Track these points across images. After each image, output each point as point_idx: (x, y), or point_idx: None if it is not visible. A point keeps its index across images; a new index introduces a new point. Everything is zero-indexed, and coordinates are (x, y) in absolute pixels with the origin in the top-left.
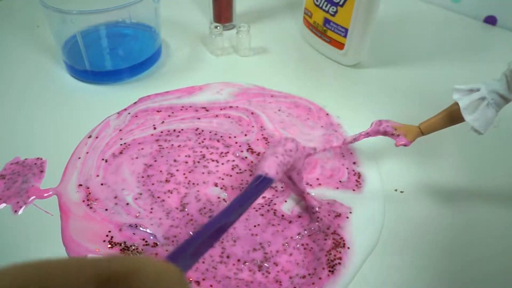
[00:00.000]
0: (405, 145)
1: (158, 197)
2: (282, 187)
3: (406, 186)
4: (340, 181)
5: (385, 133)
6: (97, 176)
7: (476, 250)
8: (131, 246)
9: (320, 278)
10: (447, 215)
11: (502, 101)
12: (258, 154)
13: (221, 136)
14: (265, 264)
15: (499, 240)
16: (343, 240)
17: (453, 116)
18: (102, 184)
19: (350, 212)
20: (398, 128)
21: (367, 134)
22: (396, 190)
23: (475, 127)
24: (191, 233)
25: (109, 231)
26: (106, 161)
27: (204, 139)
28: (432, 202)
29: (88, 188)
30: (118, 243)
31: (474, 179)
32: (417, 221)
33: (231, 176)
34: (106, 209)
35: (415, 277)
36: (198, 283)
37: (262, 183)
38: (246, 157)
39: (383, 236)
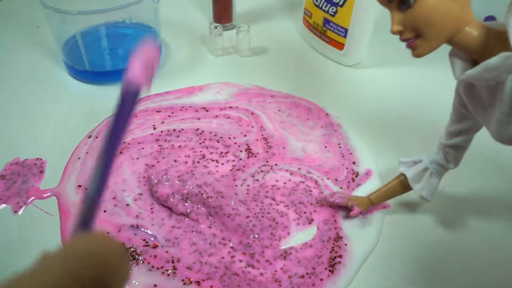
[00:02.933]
0: (360, 214)
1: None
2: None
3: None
4: (336, 179)
5: (338, 204)
6: None
7: (477, 249)
8: (130, 248)
9: (321, 280)
10: (446, 215)
11: (442, 169)
12: (258, 154)
13: (221, 137)
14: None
15: (499, 242)
16: (343, 239)
17: (401, 186)
18: None
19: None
20: (351, 199)
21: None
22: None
23: (422, 195)
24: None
25: (108, 233)
26: None
27: (205, 139)
28: (432, 202)
29: (86, 189)
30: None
31: (474, 180)
32: (417, 222)
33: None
34: (105, 211)
35: (415, 277)
36: (198, 283)
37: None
38: (246, 157)
39: (383, 237)
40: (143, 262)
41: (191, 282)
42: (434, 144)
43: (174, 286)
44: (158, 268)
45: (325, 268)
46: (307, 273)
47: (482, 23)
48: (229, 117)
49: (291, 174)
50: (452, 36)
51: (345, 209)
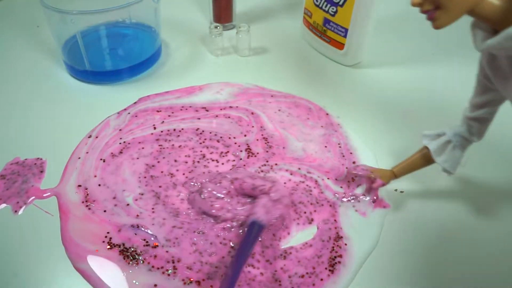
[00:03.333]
0: (383, 185)
1: (159, 198)
2: None
3: (406, 186)
4: (336, 179)
5: (361, 176)
6: (95, 176)
7: (476, 249)
8: (130, 248)
9: (321, 279)
10: (446, 214)
11: (466, 142)
12: (258, 154)
13: (221, 137)
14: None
15: (500, 239)
16: (342, 238)
17: (423, 159)
18: (99, 185)
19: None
20: (374, 171)
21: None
22: (396, 190)
23: (445, 168)
24: None
25: (108, 232)
26: (104, 161)
27: (205, 139)
28: (432, 202)
29: (86, 189)
30: (117, 244)
31: (474, 179)
32: (417, 221)
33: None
34: (105, 210)
35: (415, 277)
36: (198, 283)
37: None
38: (246, 157)
39: (383, 236)
40: (143, 262)
41: (191, 282)
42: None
43: (174, 286)
44: (158, 268)
45: (325, 268)
46: (307, 273)
47: None
48: (229, 117)
49: (291, 174)
50: (472, 7)
51: (368, 181)
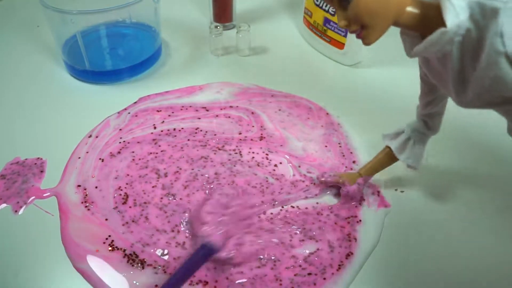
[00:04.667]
0: (348, 191)
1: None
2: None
3: (406, 186)
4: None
5: (330, 183)
6: (93, 177)
7: (476, 249)
8: (137, 254)
9: (324, 279)
10: (447, 214)
11: (424, 137)
12: (257, 153)
13: (221, 136)
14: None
15: (499, 239)
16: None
17: (387, 158)
18: (96, 187)
19: (351, 215)
20: (342, 175)
21: (320, 185)
22: (396, 189)
23: (408, 164)
24: None
25: (109, 236)
26: (102, 160)
27: (205, 139)
28: (432, 201)
29: (85, 189)
30: (121, 248)
31: (474, 179)
32: (417, 221)
33: (230, 175)
34: (106, 219)
35: (415, 277)
36: (206, 283)
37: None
38: (246, 159)
39: (384, 236)
40: (148, 266)
41: (198, 283)
42: (434, 143)
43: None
44: (165, 272)
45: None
46: (309, 273)
47: (420, 0)
48: (229, 117)
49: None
50: (395, 20)
51: (337, 187)
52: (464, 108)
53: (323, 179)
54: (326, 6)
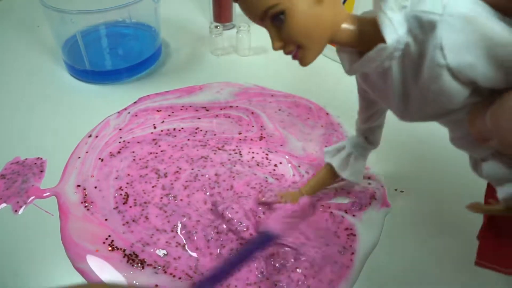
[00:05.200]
0: (294, 210)
1: (145, 202)
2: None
3: (406, 186)
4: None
5: (271, 203)
6: (92, 176)
7: (475, 247)
8: (137, 254)
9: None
10: (447, 214)
11: (365, 151)
12: (257, 153)
13: (221, 136)
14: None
15: None
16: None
17: (329, 175)
18: (95, 187)
19: (351, 213)
20: (283, 195)
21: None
22: (396, 189)
23: (351, 181)
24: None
25: (109, 235)
26: (102, 160)
27: (207, 140)
28: (433, 201)
29: (84, 189)
30: (120, 248)
31: (474, 179)
32: (417, 221)
33: (229, 176)
34: (106, 219)
35: (415, 277)
36: None
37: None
38: (245, 159)
39: (383, 236)
40: (148, 265)
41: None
42: (434, 143)
43: (178, 286)
44: (165, 272)
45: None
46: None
47: (356, 16)
48: (229, 117)
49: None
50: (331, 38)
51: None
52: (407, 122)
53: (263, 199)
54: None
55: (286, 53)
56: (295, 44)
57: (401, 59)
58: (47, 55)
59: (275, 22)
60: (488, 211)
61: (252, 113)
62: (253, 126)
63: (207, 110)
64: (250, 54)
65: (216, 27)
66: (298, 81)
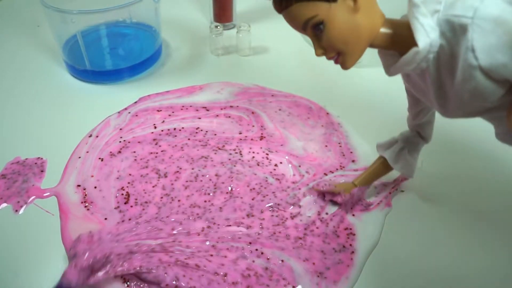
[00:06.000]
0: (343, 200)
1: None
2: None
3: (406, 186)
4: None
5: (326, 191)
6: (92, 176)
7: (476, 248)
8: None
9: (325, 278)
10: (447, 214)
11: (417, 146)
12: (257, 153)
13: (221, 136)
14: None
15: (499, 239)
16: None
17: (382, 167)
18: (95, 187)
19: (352, 213)
20: (337, 185)
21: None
22: (396, 189)
23: (403, 174)
24: None
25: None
26: (102, 160)
27: (208, 139)
28: (432, 201)
29: (84, 189)
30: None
31: (474, 178)
32: (417, 221)
33: (229, 177)
34: (106, 218)
35: (415, 277)
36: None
37: None
38: (246, 159)
39: (383, 236)
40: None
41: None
42: (434, 142)
43: None
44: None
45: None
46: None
47: (392, 20)
48: (229, 117)
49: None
50: (370, 42)
51: (333, 195)
52: (450, 118)
53: (318, 187)
54: None
55: (328, 58)
56: (335, 51)
57: (436, 61)
58: (47, 55)
59: (316, 31)
60: None
61: (253, 113)
62: (253, 126)
63: (208, 110)
64: (250, 54)
65: (216, 27)
66: (298, 81)
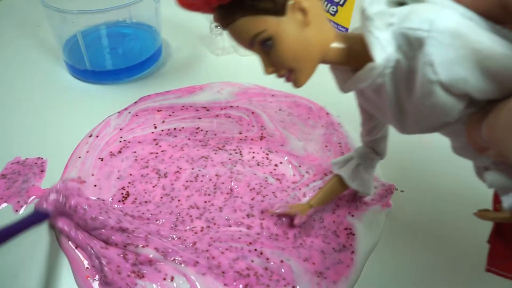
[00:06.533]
0: (300, 222)
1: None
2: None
3: (406, 185)
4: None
5: (281, 213)
6: (92, 175)
7: (476, 248)
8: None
9: (324, 278)
10: (447, 214)
11: (373, 162)
12: (257, 153)
13: (221, 136)
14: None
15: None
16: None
17: (338, 186)
18: (95, 186)
19: (351, 213)
20: (292, 207)
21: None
22: (396, 189)
23: (361, 191)
24: None
25: None
26: (102, 159)
27: (208, 139)
28: (433, 201)
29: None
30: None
31: (474, 178)
32: (417, 221)
33: (230, 177)
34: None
35: (415, 277)
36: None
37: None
38: (246, 159)
39: (383, 236)
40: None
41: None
42: (435, 142)
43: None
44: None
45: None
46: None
47: (345, 34)
48: (229, 117)
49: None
50: (322, 58)
51: (290, 217)
52: (406, 134)
53: (272, 210)
54: (326, 6)
55: (279, 76)
56: (286, 68)
57: (392, 75)
58: (47, 55)
59: (264, 48)
60: (495, 219)
61: (253, 113)
62: (253, 126)
63: (208, 110)
64: (250, 54)
65: (216, 26)
66: None
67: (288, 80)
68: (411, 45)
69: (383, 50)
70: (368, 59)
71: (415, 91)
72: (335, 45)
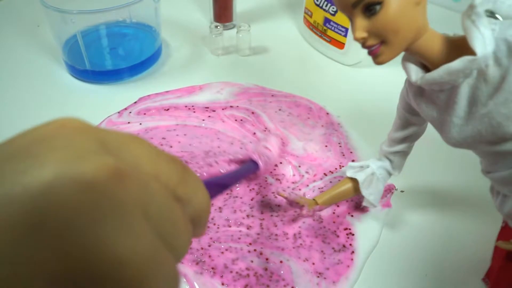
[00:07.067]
0: (308, 214)
1: None
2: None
3: (406, 186)
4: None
5: (291, 199)
6: None
7: (476, 249)
8: None
9: (324, 278)
10: (447, 214)
11: (387, 176)
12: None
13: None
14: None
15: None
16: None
17: (351, 190)
18: None
19: (351, 213)
20: (303, 198)
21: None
22: (396, 189)
23: (370, 200)
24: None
25: None
26: None
27: (206, 139)
28: (432, 201)
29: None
30: None
31: (474, 179)
32: (417, 220)
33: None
34: None
35: (415, 277)
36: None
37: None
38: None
39: (383, 236)
40: None
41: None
42: (435, 143)
43: None
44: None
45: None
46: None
47: (438, 32)
48: (230, 117)
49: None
50: (412, 43)
51: (298, 206)
52: (451, 143)
53: (284, 194)
54: (326, 6)
55: (367, 46)
56: (379, 39)
57: (473, 79)
58: (47, 55)
59: (367, 12)
60: None
61: (253, 113)
62: (253, 126)
63: (208, 110)
64: (250, 54)
65: (216, 27)
66: (298, 80)
67: (374, 52)
68: (510, 51)
69: (484, 46)
70: (449, 61)
71: (497, 98)
72: (428, 36)
